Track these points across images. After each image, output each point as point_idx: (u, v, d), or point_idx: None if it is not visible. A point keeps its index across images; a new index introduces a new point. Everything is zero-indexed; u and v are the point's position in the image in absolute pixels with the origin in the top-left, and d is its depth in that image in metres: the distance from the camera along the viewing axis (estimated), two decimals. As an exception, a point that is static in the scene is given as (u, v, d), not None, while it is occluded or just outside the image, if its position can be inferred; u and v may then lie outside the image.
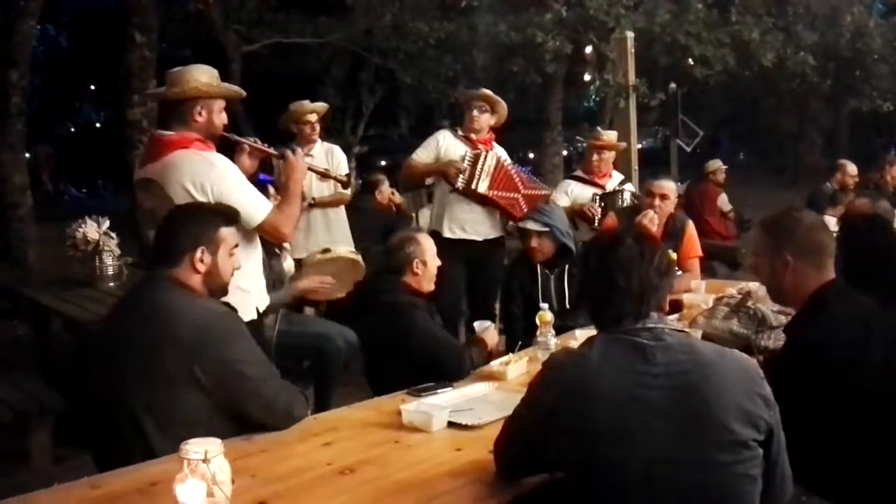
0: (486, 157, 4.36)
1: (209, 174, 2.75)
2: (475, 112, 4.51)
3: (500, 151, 4.60)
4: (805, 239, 2.18)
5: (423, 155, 4.58)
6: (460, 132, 4.58)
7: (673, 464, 1.61)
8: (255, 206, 2.81)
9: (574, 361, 1.73)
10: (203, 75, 2.88)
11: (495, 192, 4.38)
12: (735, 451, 1.63)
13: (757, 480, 1.67)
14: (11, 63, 7.08)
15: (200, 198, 2.72)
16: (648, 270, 1.73)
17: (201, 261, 2.27)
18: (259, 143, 3.22)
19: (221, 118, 2.92)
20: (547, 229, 3.86)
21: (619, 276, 1.72)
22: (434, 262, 3.28)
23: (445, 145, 4.53)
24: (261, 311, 2.99)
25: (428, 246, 3.28)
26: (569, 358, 1.77)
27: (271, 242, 3.87)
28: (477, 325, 3.21)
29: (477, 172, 4.34)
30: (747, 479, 1.65)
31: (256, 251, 2.96)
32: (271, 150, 3.20)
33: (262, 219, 2.80)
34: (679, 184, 7.95)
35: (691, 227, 4.38)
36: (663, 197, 4.19)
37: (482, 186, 4.36)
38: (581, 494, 1.68)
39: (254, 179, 3.22)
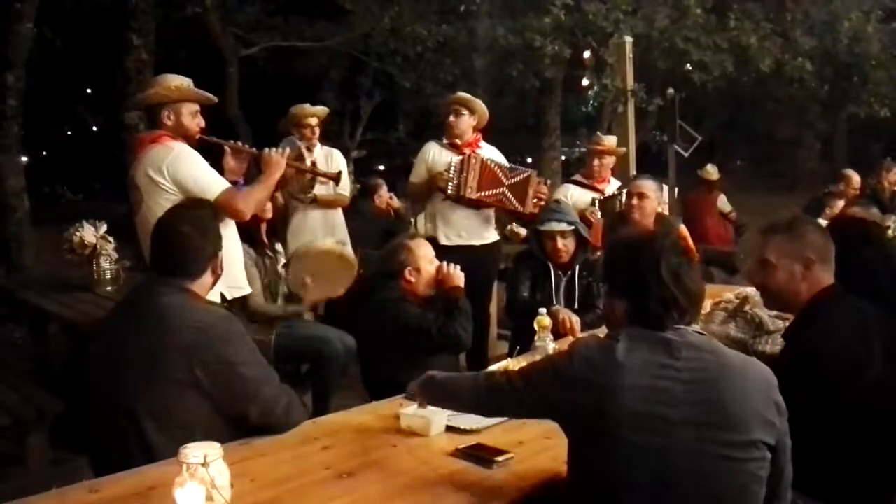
0: (469, 162, 4.39)
1: (166, 157, 2.94)
2: (452, 117, 4.55)
3: (489, 151, 4.62)
4: (822, 243, 2.19)
5: (416, 173, 4.68)
6: (445, 140, 4.62)
7: (688, 457, 1.63)
8: (208, 182, 2.97)
9: (603, 346, 1.72)
10: (172, 81, 3.08)
11: (484, 193, 4.42)
12: (747, 451, 1.66)
13: (763, 483, 1.70)
14: (7, 65, 7.06)
15: (160, 180, 2.92)
16: (697, 276, 1.78)
17: (220, 265, 2.33)
18: (239, 143, 3.35)
19: (195, 121, 3.10)
20: (572, 227, 3.80)
21: (689, 282, 1.73)
22: (430, 267, 3.25)
23: (433, 157, 4.58)
24: (227, 297, 3.06)
25: (422, 253, 3.25)
26: (597, 342, 1.76)
27: (265, 244, 3.90)
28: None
29: (464, 178, 4.37)
30: (755, 480, 1.68)
31: (226, 232, 3.02)
32: (252, 150, 3.32)
33: (216, 193, 2.95)
34: (676, 189, 7.98)
35: (683, 231, 4.39)
36: (641, 196, 4.29)
37: (471, 191, 4.39)
38: (595, 482, 1.68)
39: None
